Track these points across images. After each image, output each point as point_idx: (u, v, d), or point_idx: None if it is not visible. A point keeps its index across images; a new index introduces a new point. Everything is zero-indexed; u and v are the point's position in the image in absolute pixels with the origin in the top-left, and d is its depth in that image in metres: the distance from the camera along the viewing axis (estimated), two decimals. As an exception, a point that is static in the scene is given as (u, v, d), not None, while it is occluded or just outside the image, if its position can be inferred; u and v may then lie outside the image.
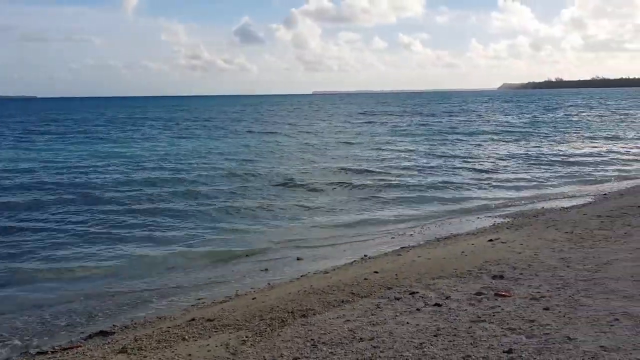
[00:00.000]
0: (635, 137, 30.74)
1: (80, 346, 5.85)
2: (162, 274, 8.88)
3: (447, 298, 5.70)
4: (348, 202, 14.38)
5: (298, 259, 9.40)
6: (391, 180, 17.55)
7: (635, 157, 22.78)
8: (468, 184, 16.88)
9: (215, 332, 5.45)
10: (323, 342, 4.74)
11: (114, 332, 6.28)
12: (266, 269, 8.85)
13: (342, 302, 5.96)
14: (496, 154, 24.27)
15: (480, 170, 19.52)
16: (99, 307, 7.33)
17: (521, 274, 6.44)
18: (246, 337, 5.13)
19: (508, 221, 11.12)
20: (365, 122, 49.75)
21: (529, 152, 24.36)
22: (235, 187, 16.63)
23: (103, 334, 6.26)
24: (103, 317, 6.99)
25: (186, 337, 5.40)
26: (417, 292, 5.99)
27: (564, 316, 4.88)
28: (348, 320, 5.27)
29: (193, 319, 5.99)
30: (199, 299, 7.44)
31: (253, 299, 6.77)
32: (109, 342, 5.75)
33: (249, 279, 8.41)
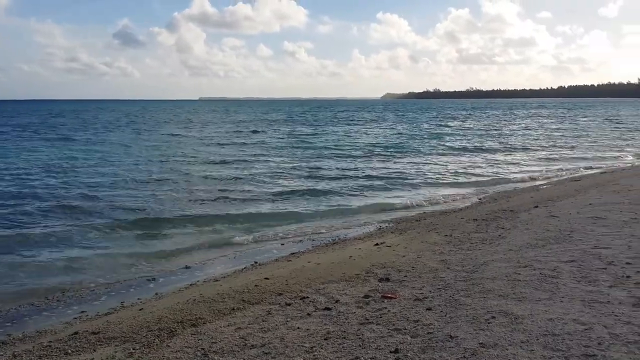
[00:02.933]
0: (501, 147, 32.75)
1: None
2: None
3: (336, 302, 5.82)
4: (234, 209, 14.24)
5: (187, 267, 9.21)
6: (273, 187, 17.65)
7: (509, 163, 24.31)
8: (355, 190, 17.25)
9: (100, 345, 5.23)
10: (214, 351, 4.68)
11: (-13, 350, 5.86)
12: (153, 279, 8.61)
13: (233, 309, 5.92)
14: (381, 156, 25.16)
15: (371, 177, 20.00)
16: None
17: (405, 276, 6.70)
18: (133, 349, 4.96)
19: (393, 226, 11.52)
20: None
21: (413, 161, 25.39)
22: (119, 192, 16.01)
23: (-26, 353, 5.82)
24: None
25: (69, 351, 5.14)
26: (308, 297, 6.07)
27: (446, 315, 5.14)
28: (239, 328, 5.24)
29: (76, 333, 5.70)
30: (82, 312, 7.09)
31: (140, 309, 6.57)
32: (-19, 362, 5.35)
33: (136, 289, 8.14)
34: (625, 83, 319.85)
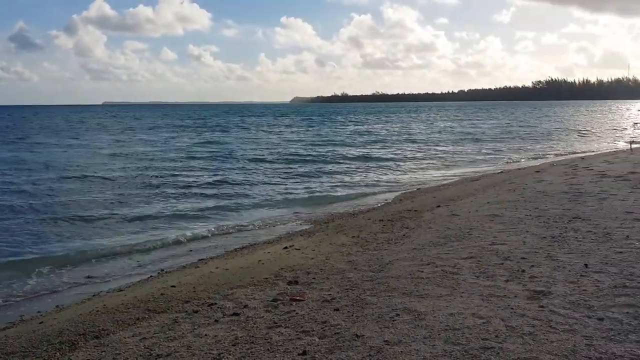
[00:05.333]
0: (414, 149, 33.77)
1: None
2: None
3: (244, 307, 5.79)
4: (138, 216, 13.86)
5: (89, 277, 8.87)
6: (183, 191, 17.36)
7: (413, 164, 25.07)
8: (267, 194, 17.23)
9: (-5, 363, 4.95)
10: (117, 363, 4.54)
11: None
12: (54, 291, 8.23)
13: (138, 319, 5.75)
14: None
15: (281, 182, 20.02)
16: None
17: (314, 278, 6.76)
18: (31, 365, 4.73)
19: (301, 229, 11.59)
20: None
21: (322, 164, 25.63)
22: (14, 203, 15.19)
23: None
24: None
25: (-41, 372, 4.83)
26: (216, 303, 6.00)
27: (352, 315, 5.24)
28: (144, 338, 5.11)
29: (-32, 351, 5.36)
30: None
31: (40, 323, 6.26)
32: None
33: (36, 302, 7.76)
34: (521, 87, 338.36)
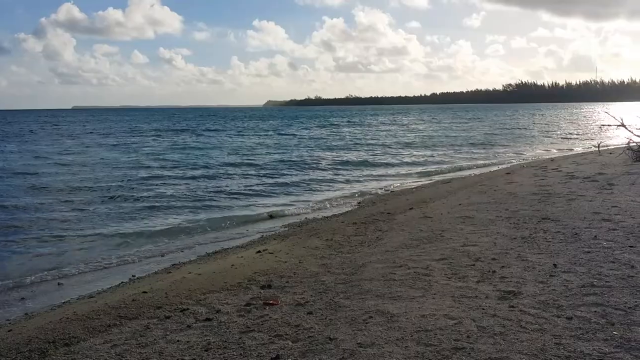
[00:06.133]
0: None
1: None
2: None
3: (217, 312, 5.76)
4: (110, 221, 13.69)
5: (59, 284, 8.73)
6: (152, 196, 17.20)
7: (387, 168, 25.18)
8: (239, 198, 17.15)
9: (-40, 373, 4.84)
10: (88, 371, 4.48)
11: None
12: (23, 298, 8.08)
13: (109, 326, 5.68)
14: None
15: (257, 186, 19.96)
16: None
17: (287, 282, 6.76)
18: (-1, 375, 4.64)
19: (275, 232, 11.57)
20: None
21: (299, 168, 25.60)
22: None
23: None
24: None
25: None
26: (188, 309, 5.96)
27: (326, 318, 5.25)
28: (115, 345, 5.05)
29: None
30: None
31: (9, 331, 6.14)
32: None
33: (4, 310, 7.60)
34: (492, 90, 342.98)
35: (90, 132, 60.92)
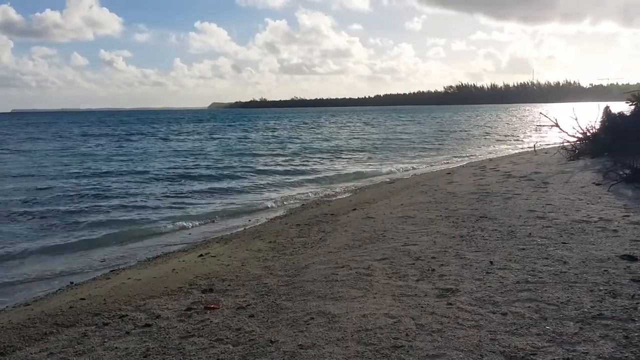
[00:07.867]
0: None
1: None
2: None
3: (157, 317, 5.67)
4: (46, 228, 13.28)
5: (-8, 293, 8.41)
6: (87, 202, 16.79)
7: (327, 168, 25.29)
8: (187, 197, 16.92)
9: None
10: (20, 382, 4.33)
11: None
12: (-48, 309, 7.75)
13: (45, 334, 5.52)
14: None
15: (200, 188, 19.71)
16: None
17: (229, 285, 6.71)
18: None
19: (217, 235, 11.46)
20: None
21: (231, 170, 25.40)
22: None
23: None
24: None
25: None
26: (127, 315, 5.84)
27: (267, 321, 5.24)
28: (52, 353, 4.91)
29: None
30: None
31: None
32: None
33: None
34: (433, 91, 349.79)
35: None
